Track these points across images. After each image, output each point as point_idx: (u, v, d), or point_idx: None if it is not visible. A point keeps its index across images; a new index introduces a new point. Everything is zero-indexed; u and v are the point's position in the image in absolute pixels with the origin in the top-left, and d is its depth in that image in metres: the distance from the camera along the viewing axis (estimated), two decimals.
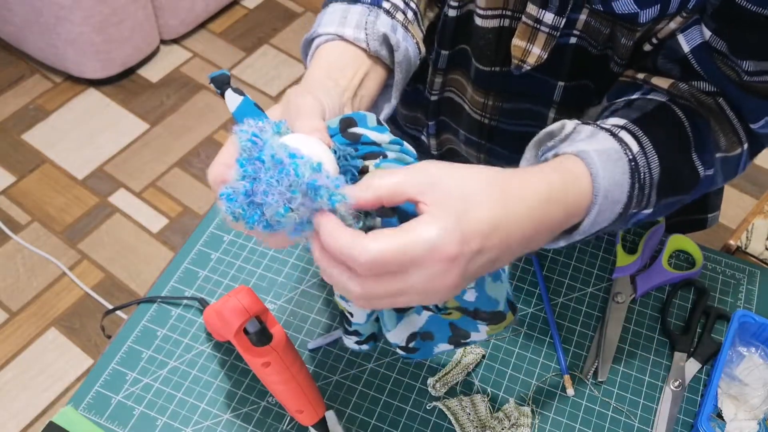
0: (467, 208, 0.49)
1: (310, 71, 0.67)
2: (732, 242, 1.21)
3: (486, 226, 0.50)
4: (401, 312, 0.62)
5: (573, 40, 0.72)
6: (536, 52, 0.72)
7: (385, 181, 0.49)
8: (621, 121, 0.63)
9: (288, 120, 0.57)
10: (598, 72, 0.74)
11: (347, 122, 0.58)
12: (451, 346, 0.63)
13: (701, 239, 0.94)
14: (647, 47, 0.71)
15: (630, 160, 0.60)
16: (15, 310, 1.81)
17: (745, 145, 0.70)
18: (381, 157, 0.55)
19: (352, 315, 0.62)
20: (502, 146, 0.87)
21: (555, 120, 0.80)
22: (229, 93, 0.57)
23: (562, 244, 0.62)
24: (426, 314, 0.62)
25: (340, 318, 0.64)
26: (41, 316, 1.81)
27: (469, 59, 0.80)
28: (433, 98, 0.87)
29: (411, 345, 0.63)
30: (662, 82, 0.69)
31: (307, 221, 0.50)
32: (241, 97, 0.56)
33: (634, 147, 0.60)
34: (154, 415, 0.76)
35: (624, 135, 0.61)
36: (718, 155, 0.68)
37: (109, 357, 0.80)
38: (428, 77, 0.85)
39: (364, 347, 0.67)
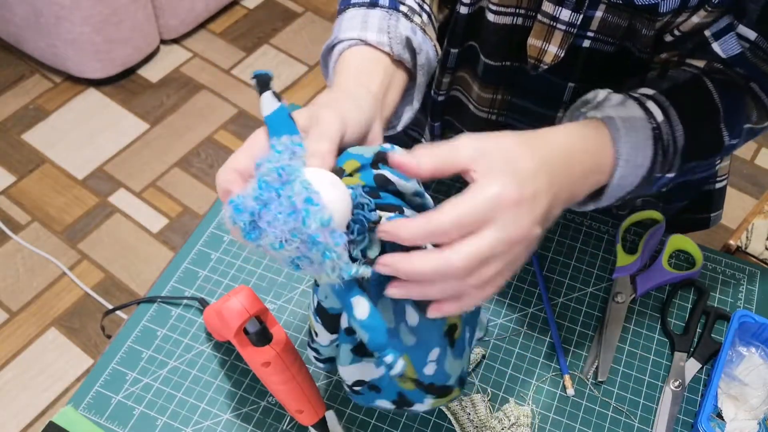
0: (512, 162, 0.52)
1: (339, 78, 0.67)
2: (732, 242, 1.21)
3: (532, 171, 0.53)
4: (360, 355, 0.61)
5: (587, 43, 0.72)
6: (553, 51, 0.72)
7: (440, 153, 0.52)
8: (650, 91, 0.65)
9: (307, 131, 0.57)
10: (615, 69, 0.74)
11: (381, 157, 0.56)
12: (392, 407, 0.64)
13: (701, 239, 0.94)
14: (668, 38, 0.70)
15: (654, 128, 0.62)
16: (15, 310, 1.81)
17: None
18: (397, 211, 0.55)
19: (317, 334, 0.61)
20: None
21: (562, 122, 0.80)
22: (267, 96, 0.56)
23: (591, 207, 0.65)
24: (382, 371, 0.61)
25: (308, 330, 0.64)
26: (41, 316, 1.81)
27: (477, 56, 0.79)
28: (440, 99, 0.87)
29: (356, 388, 0.63)
30: (698, 62, 0.69)
31: (296, 260, 0.50)
32: (278, 104, 0.55)
33: (659, 116, 0.63)
34: (154, 415, 0.76)
35: (650, 104, 0.64)
36: (746, 126, 0.70)
37: (109, 357, 0.80)
38: (435, 77, 0.85)
39: (321, 366, 0.66)
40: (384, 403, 0.63)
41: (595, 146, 0.60)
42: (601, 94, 0.65)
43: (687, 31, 0.68)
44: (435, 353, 0.59)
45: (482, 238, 0.49)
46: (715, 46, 0.67)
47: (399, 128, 0.73)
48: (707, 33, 0.67)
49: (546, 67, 0.73)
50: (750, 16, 0.65)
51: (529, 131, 0.57)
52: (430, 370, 0.59)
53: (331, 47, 0.71)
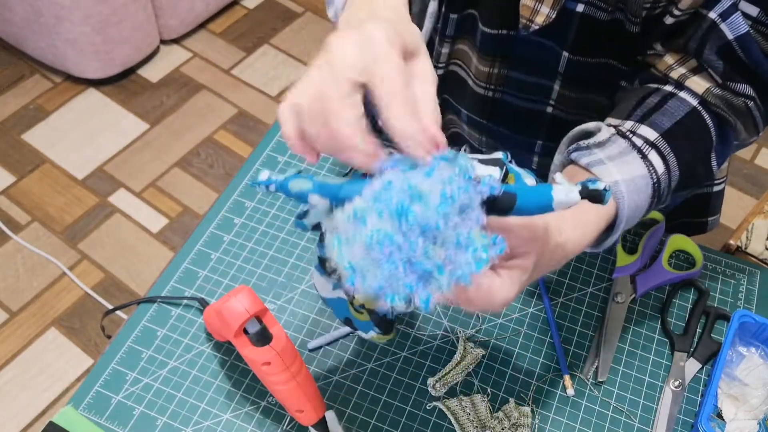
0: (536, 266, 0.56)
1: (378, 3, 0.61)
2: (732, 242, 1.21)
3: (536, 276, 0.58)
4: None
5: (580, 7, 0.72)
6: (544, 12, 0.72)
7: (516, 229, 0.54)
8: (652, 135, 0.66)
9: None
10: (608, 41, 0.74)
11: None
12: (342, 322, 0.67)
13: (701, 239, 0.94)
14: (669, 20, 0.70)
15: (654, 183, 0.64)
16: (15, 310, 1.81)
17: (761, 134, 0.73)
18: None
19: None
20: (504, 125, 0.87)
21: (560, 95, 0.79)
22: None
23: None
24: (342, 298, 0.63)
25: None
26: (41, 316, 1.81)
27: (475, 25, 0.79)
28: (438, 72, 0.86)
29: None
30: (697, 87, 0.69)
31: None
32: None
33: (660, 168, 0.65)
34: (154, 415, 0.76)
35: (653, 156, 0.65)
36: (735, 143, 0.72)
37: (109, 357, 0.80)
38: (434, 50, 0.85)
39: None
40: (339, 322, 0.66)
41: (601, 225, 0.63)
42: (605, 132, 0.66)
43: (686, 10, 0.68)
44: None
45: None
46: (723, 27, 0.66)
47: None
48: (713, 15, 0.67)
49: (537, 27, 0.73)
50: None
51: (565, 238, 0.59)
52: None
53: None
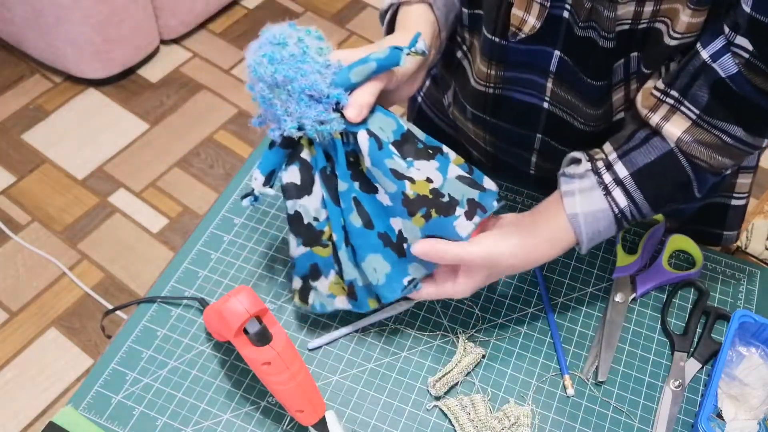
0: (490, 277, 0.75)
1: (397, 32, 0.80)
2: None
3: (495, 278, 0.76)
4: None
5: (566, 14, 0.74)
6: (531, 22, 0.76)
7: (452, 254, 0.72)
8: (623, 173, 0.73)
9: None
10: (587, 49, 0.75)
11: None
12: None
13: None
14: (672, 42, 0.71)
15: (616, 215, 0.73)
16: (15, 310, 1.81)
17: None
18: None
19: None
20: (506, 121, 0.87)
21: (552, 91, 0.81)
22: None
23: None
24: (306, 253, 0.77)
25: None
26: (41, 316, 1.81)
27: (482, 25, 0.82)
28: (458, 54, 0.90)
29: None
30: (670, 134, 0.72)
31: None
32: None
33: (622, 203, 0.73)
34: (154, 415, 0.76)
35: (617, 193, 0.73)
36: (726, 173, 0.76)
37: (109, 357, 0.80)
38: (457, 31, 0.88)
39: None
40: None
41: (563, 243, 0.75)
42: (582, 166, 0.74)
43: (685, 33, 0.69)
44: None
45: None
46: (716, 67, 0.68)
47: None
48: (705, 55, 0.68)
49: (524, 36, 0.77)
50: (739, 28, 0.65)
51: (520, 246, 0.74)
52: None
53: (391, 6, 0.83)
